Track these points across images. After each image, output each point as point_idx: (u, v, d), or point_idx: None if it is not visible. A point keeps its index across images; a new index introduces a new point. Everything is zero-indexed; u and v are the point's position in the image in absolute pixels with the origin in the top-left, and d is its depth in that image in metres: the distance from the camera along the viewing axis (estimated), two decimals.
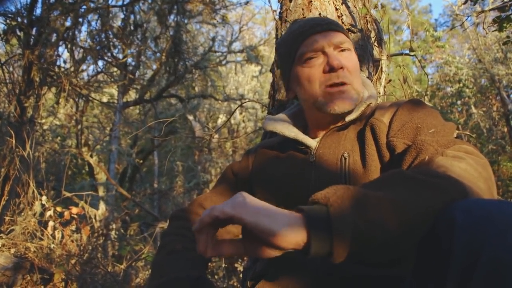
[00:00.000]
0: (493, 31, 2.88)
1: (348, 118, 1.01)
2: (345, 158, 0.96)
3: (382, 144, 0.93)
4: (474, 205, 0.59)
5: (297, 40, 1.05)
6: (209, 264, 1.34)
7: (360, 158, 0.96)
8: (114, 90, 7.96)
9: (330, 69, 1.00)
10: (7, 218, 3.27)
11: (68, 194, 4.70)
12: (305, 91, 1.05)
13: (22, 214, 3.33)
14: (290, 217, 0.62)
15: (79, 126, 6.28)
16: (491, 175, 0.77)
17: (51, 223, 3.27)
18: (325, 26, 1.04)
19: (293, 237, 0.61)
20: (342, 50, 1.03)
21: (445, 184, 0.66)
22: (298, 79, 1.06)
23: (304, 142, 1.04)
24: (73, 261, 3.06)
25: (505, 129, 9.79)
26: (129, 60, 6.96)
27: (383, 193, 0.64)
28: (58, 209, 3.37)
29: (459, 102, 10.43)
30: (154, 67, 7.73)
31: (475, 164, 0.75)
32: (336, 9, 1.68)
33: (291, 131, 1.07)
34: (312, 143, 1.04)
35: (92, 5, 4.67)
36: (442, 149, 0.80)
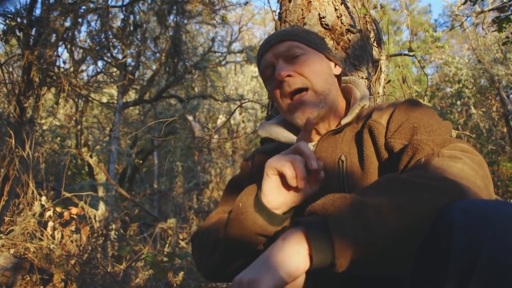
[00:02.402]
0: (492, 31, 2.88)
1: (344, 122, 1.01)
2: (342, 161, 0.96)
3: (380, 145, 0.93)
4: (472, 205, 0.59)
5: (258, 62, 1.09)
6: None
7: (358, 160, 0.95)
8: (113, 91, 7.95)
9: (278, 82, 1.01)
10: (6, 219, 3.27)
11: (67, 195, 4.70)
12: (277, 107, 1.09)
13: (22, 214, 3.33)
14: (290, 251, 0.62)
15: (79, 127, 6.28)
16: (488, 173, 0.77)
17: (50, 224, 3.27)
18: (273, 40, 1.05)
19: (303, 264, 0.62)
20: (296, 57, 1.02)
21: (444, 186, 0.66)
22: (270, 97, 1.10)
23: None
24: (72, 262, 3.05)
25: (505, 130, 9.78)
26: (129, 60, 6.96)
27: (381, 199, 0.64)
28: (58, 209, 3.37)
29: (458, 102, 10.42)
30: (154, 67, 7.73)
31: (471, 163, 0.75)
32: (336, 9, 1.68)
33: (287, 137, 1.07)
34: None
35: (91, 5, 4.67)
36: (438, 148, 0.80)
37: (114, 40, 5.34)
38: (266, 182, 0.81)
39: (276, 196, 0.81)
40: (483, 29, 3.41)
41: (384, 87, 1.72)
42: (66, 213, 3.33)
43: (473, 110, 10.16)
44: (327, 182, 0.95)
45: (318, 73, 1.02)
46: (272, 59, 1.02)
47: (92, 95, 6.27)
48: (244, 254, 0.88)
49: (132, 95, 8.60)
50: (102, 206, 6.50)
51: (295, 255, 0.61)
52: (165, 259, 3.71)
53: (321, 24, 1.62)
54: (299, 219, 0.66)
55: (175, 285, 3.54)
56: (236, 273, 0.70)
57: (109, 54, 5.38)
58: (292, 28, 1.11)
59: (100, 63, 7.58)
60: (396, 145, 0.90)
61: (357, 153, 0.97)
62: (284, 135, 1.07)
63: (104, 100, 7.68)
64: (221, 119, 10.75)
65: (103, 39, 5.05)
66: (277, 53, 1.02)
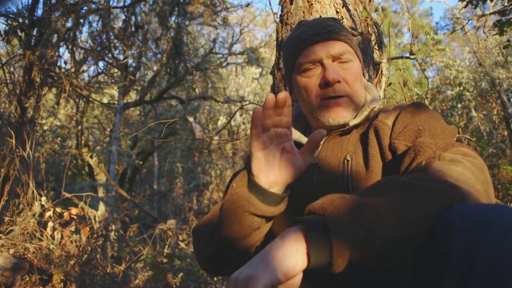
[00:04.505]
0: (493, 34, 2.88)
1: (352, 123, 1.01)
2: (347, 161, 0.96)
3: (385, 146, 0.94)
4: (471, 209, 0.59)
5: (297, 48, 1.05)
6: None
7: (363, 160, 0.96)
8: (114, 91, 7.95)
9: (326, 83, 0.99)
10: (6, 219, 3.27)
11: (67, 195, 4.70)
12: (303, 100, 1.06)
13: (22, 214, 3.33)
14: (288, 249, 0.62)
15: (79, 127, 6.28)
16: (488, 177, 0.77)
17: (50, 224, 3.27)
18: (325, 35, 1.02)
19: (300, 262, 0.61)
20: (342, 61, 1.02)
21: (443, 189, 0.66)
22: (297, 87, 1.07)
23: None
24: (72, 262, 3.05)
25: (505, 133, 9.77)
26: (130, 61, 6.95)
27: (380, 200, 0.64)
28: (58, 209, 3.36)
29: (459, 105, 10.41)
30: (155, 68, 7.73)
31: (472, 167, 0.75)
32: (337, 12, 1.68)
33: (294, 134, 1.06)
34: None
35: (93, 6, 4.68)
36: (440, 151, 0.81)
37: (116, 41, 5.35)
38: (253, 162, 0.82)
39: (266, 175, 0.82)
40: (484, 32, 3.42)
41: (385, 90, 1.72)
42: (66, 214, 3.33)
43: (473, 113, 10.15)
44: (331, 181, 0.96)
45: (358, 82, 1.04)
46: (323, 56, 1.00)
47: (93, 95, 6.27)
48: (241, 237, 0.87)
49: (133, 96, 8.61)
50: (102, 207, 6.49)
51: (293, 254, 0.61)
52: (164, 260, 3.70)
53: None
54: (298, 218, 0.66)
55: (174, 286, 3.53)
56: (233, 266, 0.69)
57: (110, 55, 5.38)
58: (341, 26, 1.08)
59: (101, 64, 7.55)
60: (400, 147, 0.90)
61: (362, 153, 0.97)
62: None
63: (105, 100, 7.68)
64: (222, 120, 10.75)
65: (105, 40, 5.06)
66: (330, 52, 1.00)
